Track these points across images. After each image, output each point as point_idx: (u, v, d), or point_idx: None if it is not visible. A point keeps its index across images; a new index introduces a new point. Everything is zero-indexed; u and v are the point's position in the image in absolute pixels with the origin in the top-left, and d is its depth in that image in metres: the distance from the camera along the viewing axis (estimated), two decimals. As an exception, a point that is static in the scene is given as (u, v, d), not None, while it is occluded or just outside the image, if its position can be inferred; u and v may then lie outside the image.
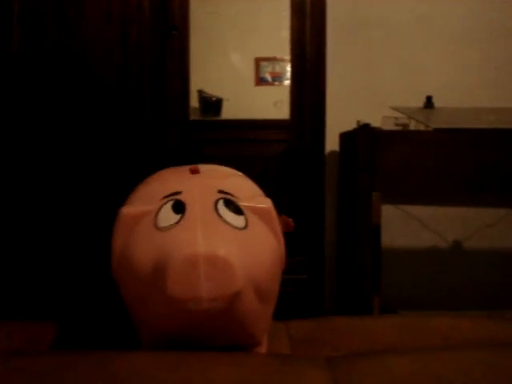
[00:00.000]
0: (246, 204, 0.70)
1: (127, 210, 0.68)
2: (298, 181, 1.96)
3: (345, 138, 2.16)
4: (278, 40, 2.15)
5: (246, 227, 0.67)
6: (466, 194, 1.92)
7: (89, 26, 1.91)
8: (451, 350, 0.57)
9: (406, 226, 2.20)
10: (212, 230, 0.64)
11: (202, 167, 0.78)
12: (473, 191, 1.92)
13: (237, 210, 0.68)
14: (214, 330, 0.65)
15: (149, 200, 0.70)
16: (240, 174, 0.85)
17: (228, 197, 0.69)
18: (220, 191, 0.70)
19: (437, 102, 2.05)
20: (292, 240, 1.94)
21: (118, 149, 1.91)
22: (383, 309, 1.99)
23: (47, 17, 1.91)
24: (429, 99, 2.04)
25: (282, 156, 1.98)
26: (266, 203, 0.72)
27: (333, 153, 2.23)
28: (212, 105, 2.17)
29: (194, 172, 0.75)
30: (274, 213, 0.72)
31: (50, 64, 1.91)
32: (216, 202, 0.67)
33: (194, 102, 2.10)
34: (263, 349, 0.73)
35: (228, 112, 2.16)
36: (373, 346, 0.79)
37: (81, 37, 1.91)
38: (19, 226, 1.90)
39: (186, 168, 0.77)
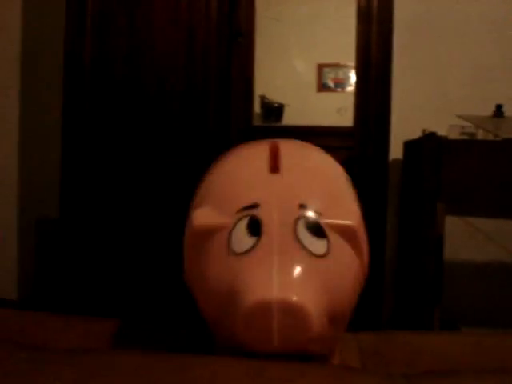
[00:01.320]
0: (328, 221, 0.63)
1: (199, 222, 0.64)
2: (361, 188, 1.94)
3: (409, 146, 2.12)
4: (341, 46, 2.14)
5: (327, 253, 0.62)
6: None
7: (156, 31, 1.96)
8: None
9: (470, 238, 2.14)
10: (289, 262, 0.60)
11: (284, 155, 0.69)
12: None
13: (318, 231, 0.62)
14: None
15: (222, 207, 0.65)
16: (329, 162, 0.76)
17: (309, 215, 0.63)
18: (301, 205, 0.64)
19: (507, 111, 1.99)
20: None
21: (182, 152, 1.94)
22: (443, 321, 1.94)
23: (118, 24, 1.96)
24: (498, 107, 1.98)
25: (344, 163, 1.96)
26: (352, 218, 0.65)
27: (396, 161, 2.19)
28: (274, 110, 2.18)
29: (274, 170, 0.67)
30: (359, 230, 0.65)
31: (119, 71, 1.96)
32: (296, 222, 0.62)
33: (256, 107, 2.11)
34: (336, 360, 0.72)
35: (289, 118, 2.16)
36: (446, 364, 0.77)
37: (149, 42, 1.96)
38: (92, 226, 1.95)
39: (265, 151, 0.69)
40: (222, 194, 0.68)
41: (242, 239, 0.61)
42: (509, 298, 2.17)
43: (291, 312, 0.55)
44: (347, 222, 0.64)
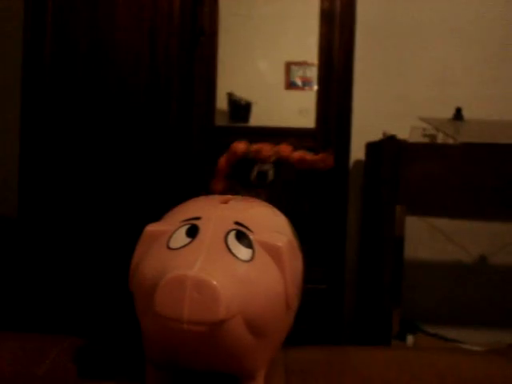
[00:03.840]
0: (258, 238, 0.71)
1: (149, 228, 0.73)
2: (321, 188, 1.95)
3: (371, 148, 2.13)
4: (307, 45, 2.14)
5: (250, 260, 0.68)
6: (493, 209, 1.88)
7: (119, 28, 1.94)
8: None
9: (430, 238, 2.17)
10: (213, 257, 0.66)
11: (235, 198, 0.82)
12: (500, 206, 1.88)
13: (246, 242, 0.70)
14: (202, 354, 0.67)
15: (172, 221, 0.74)
16: (270, 208, 0.85)
17: (242, 229, 0.71)
18: (237, 223, 0.71)
19: (467, 114, 2.01)
20: (313, 249, 1.94)
21: (143, 150, 1.94)
22: (403, 321, 1.98)
23: (79, 19, 1.94)
24: (458, 111, 2.00)
25: (300, 176, 1.97)
26: (280, 242, 0.71)
27: (358, 162, 2.21)
28: (241, 108, 2.17)
29: (224, 202, 0.78)
30: (285, 252, 0.71)
31: (80, 68, 1.95)
32: (228, 233, 0.69)
33: (224, 105, 2.11)
34: (260, 381, 0.73)
35: (257, 116, 2.16)
36: (368, 382, 0.79)
37: (111, 39, 1.94)
38: (52, 226, 1.95)
39: (221, 198, 0.81)
40: (175, 213, 0.78)
41: (179, 239, 0.69)
42: (468, 297, 2.21)
43: (203, 288, 0.60)
44: (274, 242, 0.71)
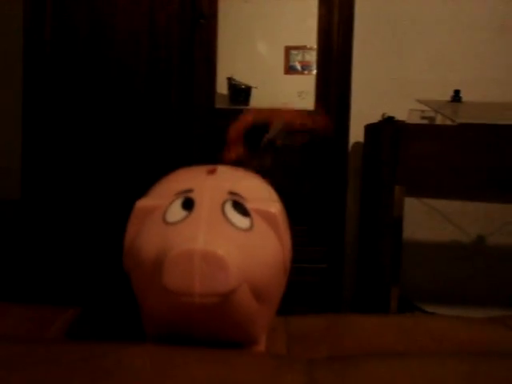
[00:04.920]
0: (253, 206, 0.70)
1: (140, 204, 0.71)
2: (321, 170, 1.97)
3: (370, 129, 2.15)
4: (307, 29, 2.15)
5: (250, 229, 0.68)
6: (491, 190, 1.90)
7: (118, 12, 1.95)
8: (440, 356, 0.59)
9: (429, 219, 2.19)
10: (214, 228, 0.66)
11: (221, 168, 0.80)
12: (497, 187, 1.90)
13: (243, 211, 0.69)
14: (211, 326, 0.68)
15: (163, 195, 0.72)
16: (257, 177, 0.85)
17: (237, 198, 0.71)
18: (231, 192, 0.71)
19: (465, 96, 2.02)
20: (313, 229, 1.96)
21: (145, 132, 1.96)
22: (401, 300, 2.00)
23: (79, 6, 1.95)
24: (456, 93, 2.02)
25: (305, 145, 1.99)
26: (274, 208, 0.72)
27: (357, 144, 2.23)
28: (241, 92, 2.18)
29: (211, 172, 0.76)
30: (280, 218, 0.72)
31: (82, 51, 1.96)
32: (224, 203, 0.69)
33: (224, 89, 2.12)
34: (261, 347, 0.75)
35: (257, 100, 2.17)
36: (367, 345, 0.81)
37: (110, 24, 1.95)
38: (54, 208, 1.97)
39: (205, 168, 0.79)
40: (164, 187, 0.76)
41: (176, 212, 0.67)
42: (465, 277, 2.23)
43: (212, 261, 0.60)
44: (269, 209, 0.71)
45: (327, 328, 0.85)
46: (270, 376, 0.54)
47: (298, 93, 2.10)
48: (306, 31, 2.16)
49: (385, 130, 1.89)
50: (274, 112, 0.83)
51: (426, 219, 2.20)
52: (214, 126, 1.99)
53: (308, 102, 2.02)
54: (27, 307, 0.88)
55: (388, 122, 1.91)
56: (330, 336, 0.83)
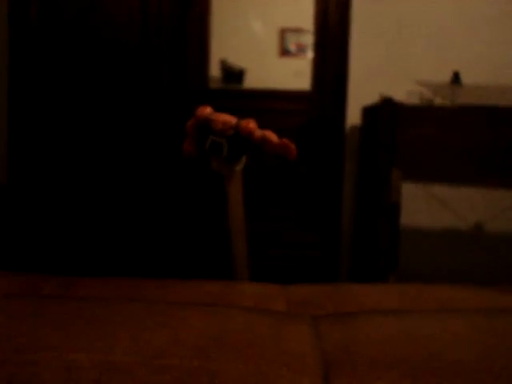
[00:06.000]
0: None
1: None
2: (317, 153, 1.93)
3: (367, 112, 2.11)
4: (303, 11, 2.11)
5: None
6: (490, 175, 1.87)
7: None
8: (440, 313, 0.56)
9: (426, 204, 2.16)
10: None
11: None
12: (497, 172, 1.87)
13: None
14: None
15: None
16: None
17: None
18: None
19: (464, 78, 1.99)
20: (308, 215, 1.93)
21: (136, 110, 1.91)
22: (399, 287, 1.97)
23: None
24: (456, 75, 1.98)
25: (301, 127, 1.95)
26: None
27: (355, 126, 2.19)
28: (234, 75, 2.15)
29: None
30: None
31: (70, 31, 1.91)
32: None
33: (217, 71, 2.08)
34: None
35: (250, 83, 2.13)
36: (370, 310, 0.78)
37: (101, 2, 1.91)
38: (42, 192, 1.92)
39: None
40: None
41: None
42: (463, 264, 2.20)
43: None
44: None
45: (328, 294, 0.82)
46: (274, 326, 0.50)
47: (294, 73, 2.06)
48: (302, 13, 2.12)
49: (383, 111, 1.85)
50: (225, 117, 0.72)
51: (424, 205, 2.16)
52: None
53: (304, 84, 1.99)
54: (12, 274, 0.85)
55: (386, 103, 1.87)
56: (331, 301, 0.80)
